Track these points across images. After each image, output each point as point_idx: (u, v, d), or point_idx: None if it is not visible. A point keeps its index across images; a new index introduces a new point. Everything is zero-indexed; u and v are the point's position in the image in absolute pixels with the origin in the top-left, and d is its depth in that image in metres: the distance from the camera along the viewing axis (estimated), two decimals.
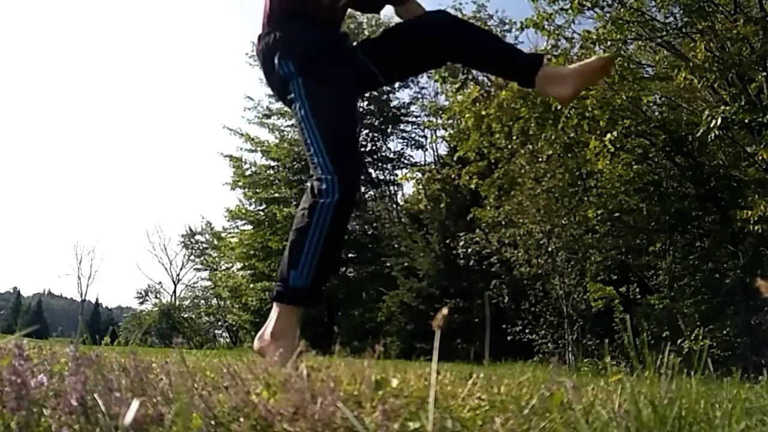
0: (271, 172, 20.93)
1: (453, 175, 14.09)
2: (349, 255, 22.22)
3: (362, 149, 22.05)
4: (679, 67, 7.58)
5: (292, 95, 1.95)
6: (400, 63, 2.17)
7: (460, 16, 11.78)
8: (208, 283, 30.08)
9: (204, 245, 33.37)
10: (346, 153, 1.95)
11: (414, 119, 22.65)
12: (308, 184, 1.94)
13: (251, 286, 20.43)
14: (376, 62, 2.08)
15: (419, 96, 22.62)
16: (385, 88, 22.21)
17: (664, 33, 8.27)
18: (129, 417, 0.74)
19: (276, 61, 1.97)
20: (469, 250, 13.08)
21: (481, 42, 2.10)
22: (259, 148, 20.98)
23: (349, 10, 2.30)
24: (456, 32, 2.05)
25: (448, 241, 15.23)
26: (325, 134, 1.89)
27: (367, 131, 21.87)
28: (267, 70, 2.05)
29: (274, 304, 1.93)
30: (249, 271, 21.28)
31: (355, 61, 2.06)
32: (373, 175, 22.45)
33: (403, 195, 24.54)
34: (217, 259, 28.39)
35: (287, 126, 21.41)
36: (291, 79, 1.95)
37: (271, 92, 2.13)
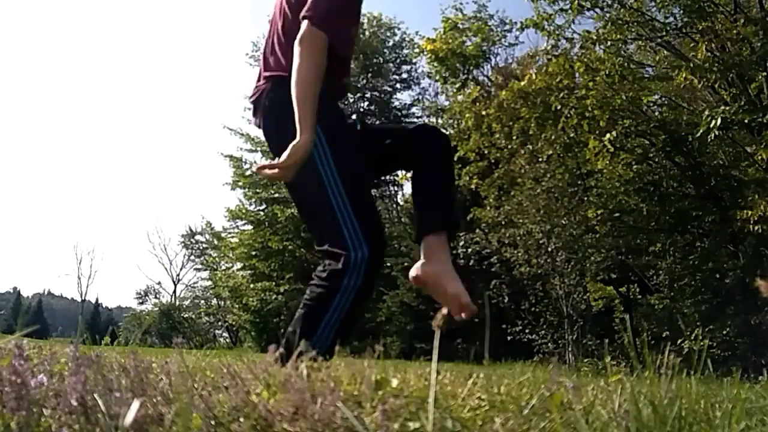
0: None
1: None
2: None
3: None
4: (679, 67, 7.59)
5: (315, 161, 1.78)
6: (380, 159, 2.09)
7: (460, 15, 11.80)
8: (208, 283, 30.09)
9: (204, 245, 33.39)
10: (378, 226, 1.86)
11: (415, 120, 22.64)
12: (325, 250, 1.78)
13: (251, 286, 20.44)
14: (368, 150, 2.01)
15: (420, 97, 22.63)
16: (386, 88, 22.26)
17: (664, 33, 8.27)
18: (129, 417, 0.74)
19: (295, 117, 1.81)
20: (469, 250, 13.07)
21: (434, 179, 1.96)
22: (259, 148, 21.00)
23: None
24: (435, 160, 1.96)
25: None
26: (356, 201, 1.78)
27: None
28: (274, 126, 1.94)
29: None
30: (249, 271, 21.30)
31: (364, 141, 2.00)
32: None
33: (403, 195, 24.54)
34: (217, 259, 28.39)
35: None
36: (315, 143, 1.79)
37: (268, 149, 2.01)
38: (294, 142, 1.71)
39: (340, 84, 2.04)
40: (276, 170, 1.71)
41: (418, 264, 1.86)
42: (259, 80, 2.02)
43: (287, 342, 1.71)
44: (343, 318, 1.73)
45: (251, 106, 2.06)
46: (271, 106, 1.94)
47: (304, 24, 1.80)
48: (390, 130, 2.21)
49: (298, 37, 1.81)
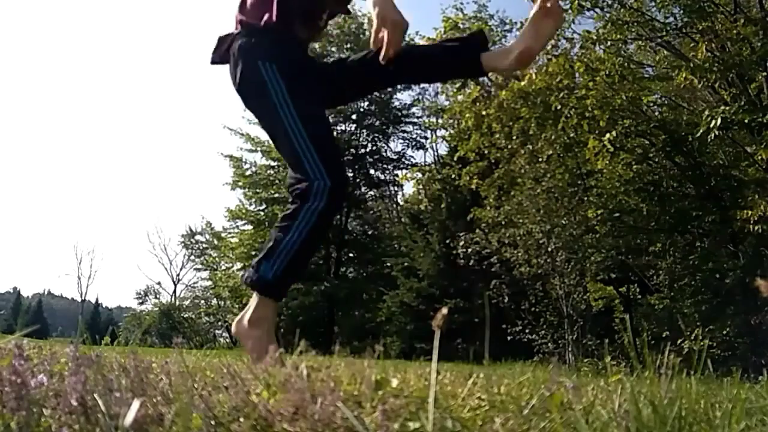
0: (272, 172, 20.93)
1: (453, 175, 14.11)
2: (349, 255, 22.22)
3: (362, 151, 22.06)
4: (679, 67, 7.59)
5: (273, 98, 1.96)
6: (357, 85, 2.27)
7: (461, 15, 11.81)
8: (208, 283, 30.08)
9: (204, 245, 33.38)
10: (338, 158, 2.02)
11: (415, 120, 22.65)
12: (290, 184, 1.96)
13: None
14: (339, 82, 2.19)
15: (420, 97, 22.63)
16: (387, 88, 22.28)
17: (664, 33, 8.27)
18: (129, 417, 0.74)
19: (259, 62, 2.00)
20: (469, 250, 13.07)
21: (423, 57, 2.17)
22: (259, 148, 20.99)
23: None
24: (401, 59, 2.09)
25: (448, 241, 15.24)
26: (315, 137, 1.92)
27: (368, 132, 21.88)
28: (239, 65, 2.07)
29: (254, 293, 1.98)
30: None
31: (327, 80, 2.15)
32: (374, 175, 22.45)
33: (403, 195, 24.56)
34: (217, 259, 28.38)
35: None
36: (271, 81, 1.98)
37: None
38: (382, 16, 1.89)
39: (300, 31, 2.15)
40: (387, 39, 1.88)
41: (510, 50, 2.04)
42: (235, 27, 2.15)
43: (253, 266, 1.94)
44: (304, 239, 1.87)
45: (216, 42, 2.18)
46: (240, 53, 2.07)
47: None
48: (345, 60, 2.28)
49: None
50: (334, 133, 22.57)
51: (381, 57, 1.92)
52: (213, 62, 2.19)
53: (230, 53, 2.10)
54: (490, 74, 2.17)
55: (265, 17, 2.06)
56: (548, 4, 2.00)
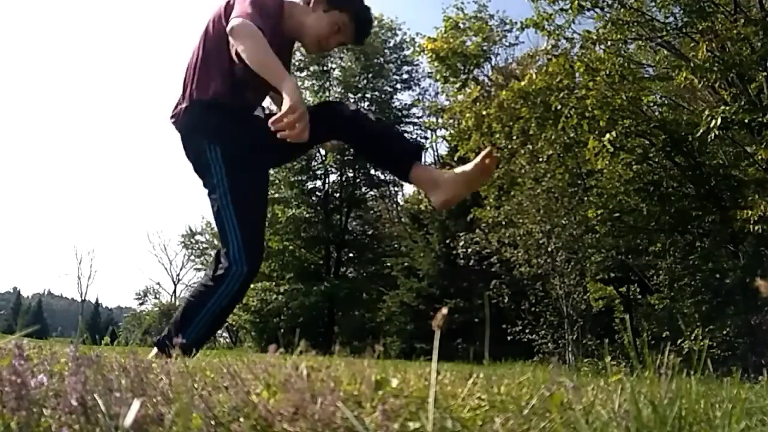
0: (272, 172, 20.91)
1: None
2: (349, 255, 22.22)
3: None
4: (679, 67, 7.58)
5: (214, 180, 2.13)
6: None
7: (462, 15, 11.80)
8: None
9: (204, 245, 33.39)
10: (259, 248, 2.20)
11: (415, 120, 22.65)
12: (217, 254, 2.16)
13: (251, 286, 20.41)
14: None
15: (420, 97, 22.64)
16: (387, 88, 22.27)
17: (665, 33, 8.27)
18: (129, 417, 0.74)
19: (205, 143, 2.14)
20: (469, 250, 13.07)
21: (368, 132, 2.24)
22: None
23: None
24: (352, 121, 2.23)
25: (448, 241, 15.23)
26: (244, 226, 2.12)
27: None
28: (189, 143, 2.24)
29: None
30: None
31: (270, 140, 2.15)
32: (374, 175, 22.45)
33: (403, 195, 24.55)
34: None
35: None
36: (214, 164, 2.13)
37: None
38: (285, 95, 1.93)
39: (248, 98, 2.27)
40: (288, 124, 1.89)
41: (440, 187, 2.14)
42: (180, 102, 2.28)
43: (168, 332, 2.11)
44: (214, 318, 2.11)
45: (174, 104, 2.31)
46: (187, 130, 2.25)
47: (234, 20, 2.02)
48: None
49: (229, 29, 2.02)
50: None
51: (278, 136, 1.94)
52: (173, 123, 2.31)
53: (180, 125, 2.26)
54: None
55: (212, 88, 2.17)
56: (487, 161, 2.13)
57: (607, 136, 8.26)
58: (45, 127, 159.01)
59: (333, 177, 22.16)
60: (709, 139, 6.98)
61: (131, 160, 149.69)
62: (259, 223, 2.26)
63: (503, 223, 11.82)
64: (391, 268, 19.61)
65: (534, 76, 8.99)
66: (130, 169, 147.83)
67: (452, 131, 14.52)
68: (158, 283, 45.19)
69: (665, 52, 9.16)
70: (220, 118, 2.17)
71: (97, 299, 72.98)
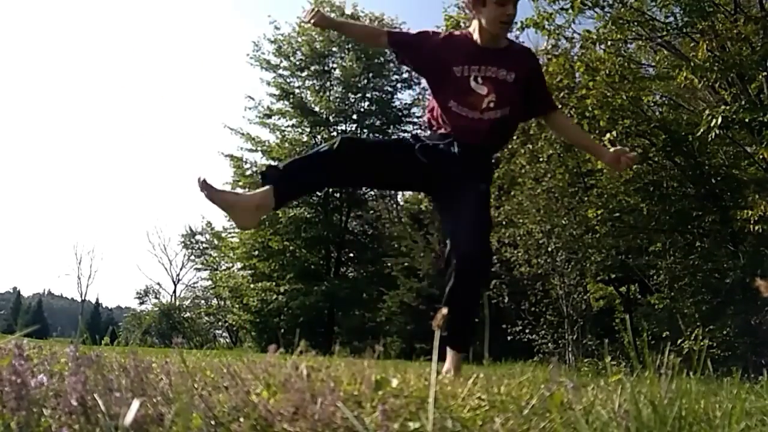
0: None
1: None
2: (350, 255, 22.21)
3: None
4: (679, 67, 7.57)
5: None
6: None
7: (463, 14, 11.79)
8: (209, 283, 30.10)
9: (204, 245, 33.40)
10: None
11: (415, 120, 22.64)
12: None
13: (252, 286, 20.42)
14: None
15: (421, 96, 22.62)
16: (387, 88, 22.28)
17: (665, 33, 8.26)
18: (129, 417, 0.74)
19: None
20: None
21: (457, 298, 2.48)
22: (259, 148, 20.98)
23: None
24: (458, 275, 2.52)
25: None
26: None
27: (368, 132, 21.89)
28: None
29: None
30: (249, 271, 21.28)
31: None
32: None
33: (403, 195, 24.53)
34: (217, 259, 28.39)
35: (288, 126, 21.42)
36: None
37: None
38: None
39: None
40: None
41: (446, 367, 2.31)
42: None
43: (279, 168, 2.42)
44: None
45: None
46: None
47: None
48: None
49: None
50: (334, 133, 22.42)
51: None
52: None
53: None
54: None
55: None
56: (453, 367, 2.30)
57: (608, 136, 8.25)
58: (45, 127, 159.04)
59: None
60: (710, 139, 6.97)
61: (131, 160, 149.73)
62: None
63: (503, 222, 11.83)
64: (391, 268, 19.61)
65: None
66: (130, 169, 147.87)
67: None
68: (158, 283, 45.10)
69: (665, 51, 9.15)
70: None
71: (97, 299, 72.98)
